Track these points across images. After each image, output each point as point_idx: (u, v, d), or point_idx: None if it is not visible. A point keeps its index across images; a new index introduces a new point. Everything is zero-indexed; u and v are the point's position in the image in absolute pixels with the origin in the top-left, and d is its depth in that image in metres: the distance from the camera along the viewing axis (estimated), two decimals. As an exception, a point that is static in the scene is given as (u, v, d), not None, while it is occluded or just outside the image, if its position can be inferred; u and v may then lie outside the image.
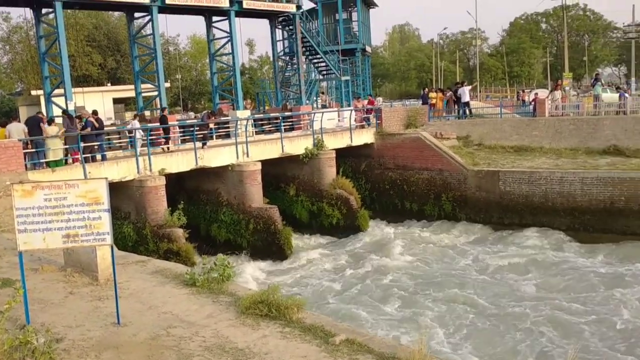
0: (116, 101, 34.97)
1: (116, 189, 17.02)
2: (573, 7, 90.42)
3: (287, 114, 27.33)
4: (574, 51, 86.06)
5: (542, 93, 32.61)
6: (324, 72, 36.35)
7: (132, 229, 18.00)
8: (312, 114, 25.27)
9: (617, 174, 19.72)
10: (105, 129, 19.48)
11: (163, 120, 21.64)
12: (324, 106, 36.34)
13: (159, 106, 25.43)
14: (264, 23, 32.01)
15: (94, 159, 17.65)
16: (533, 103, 27.05)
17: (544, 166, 21.65)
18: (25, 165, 15.70)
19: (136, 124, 21.20)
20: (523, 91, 40.07)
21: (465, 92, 28.23)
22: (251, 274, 17.65)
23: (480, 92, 61.02)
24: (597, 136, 23.12)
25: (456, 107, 29.13)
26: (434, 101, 29.25)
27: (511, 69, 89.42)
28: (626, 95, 27.90)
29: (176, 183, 21.30)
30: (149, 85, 27.13)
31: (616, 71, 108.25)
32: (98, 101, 29.19)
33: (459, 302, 14.28)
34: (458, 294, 14.79)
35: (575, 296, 14.33)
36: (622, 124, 23.13)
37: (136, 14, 26.57)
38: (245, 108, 28.27)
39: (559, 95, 27.46)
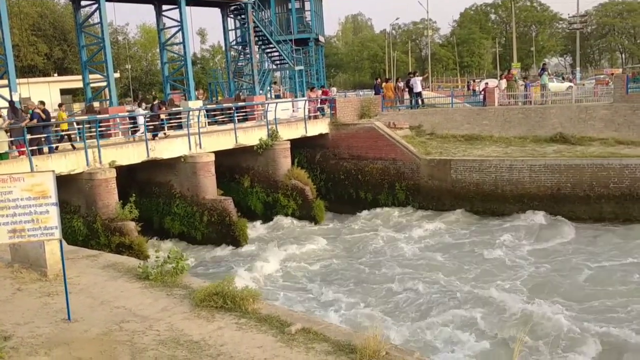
0: (64, 92, 33.97)
1: (65, 182, 16.55)
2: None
3: (240, 104, 27.07)
4: (522, 41, 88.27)
5: (492, 83, 33.34)
6: (278, 62, 36.13)
7: (82, 223, 17.56)
8: (266, 104, 25.12)
9: (563, 161, 20.38)
10: (51, 120, 18.88)
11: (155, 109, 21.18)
12: (277, 96, 36.16)
13: (107, 97, 24.78)
14: (216, 12, 31.57)
15: (40, 152, 17.12)
16: (483, 93, 27.60)
17: (494, 154, 22.16)
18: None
19: (140, 110, 21.31)
20: (474, 81, 40.87)
21: (417, 83, 28.57)
22: (205, 266, 17.49)
23: (432, 82, 61.88)
24: (544, 124, 23.81)
25: (408, 97, 29.47)
26: (387, 92, 29.47)
27: (462, 59, 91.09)
28: (571, 84, 28.76)
29: (127, 175, 20.86)
30: (98, 76, 26.40)
31: (562, 61, 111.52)
32: (45, 92, 28.28)
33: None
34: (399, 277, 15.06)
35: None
36: (567, 113, 23.87)
37: (83, 2, 25.76)
38: (197, 98, 27.85)
39: (504, 85, 28.12)
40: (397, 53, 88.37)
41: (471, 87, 35.75)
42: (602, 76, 58.23)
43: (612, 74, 46.69)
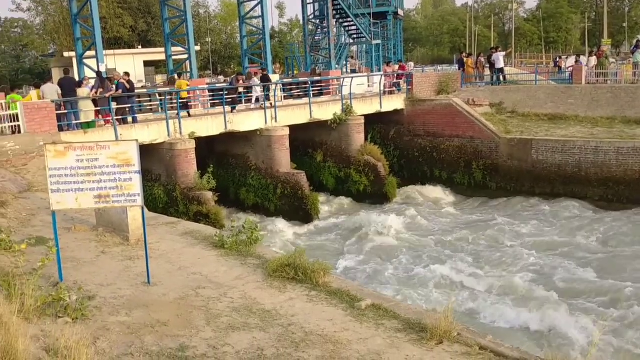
0: (147, 64, 35.07)
1: (147, 151, 17.17)
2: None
3: (316, 78, 27.08)
4: (614, 17, 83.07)
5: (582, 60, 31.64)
6: (355, 36, 35.79)
7: (162, 191, 18.24)
8: (342, 79, 24.99)
9: (654, 144, 19.18)
10: (135, 91, 19.61)
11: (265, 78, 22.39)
12: (353, 71, 35.89)
13: (188, 69, 25.41)
14: (295, -15, 31.57)
15: (125, 121, 17.83)
16: (570, 70, 26.28)
17: (579, 135, 21.14)
18: (59, 126, 15.92)
19: (256, 81, 22.55)
20: (560, 57, 38.94)
21: (499, 58, 27.55)
22: (278, 238, 17.79)
23: (514, 58, 59.52)
24: (635, 105, 22.39)
25: (489, 73, 28.49)
26: (467, 67, 28.60)
27: (548, 34, 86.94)
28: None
29: (206, 147, 21.43)
30: (180, 48, 27.09)
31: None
32: (129, 63, 29.27)
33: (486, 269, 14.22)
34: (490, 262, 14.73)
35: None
36: (662, 92, 22.36)
37: (167, -24, 26.41)
38: (274, 72, 28.09)
39: (593, 62, 26.63)
40: (479, 27, 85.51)
41: (557, 64, 34.07)
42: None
43: None
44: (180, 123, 18.26)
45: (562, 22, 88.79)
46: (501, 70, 27.78)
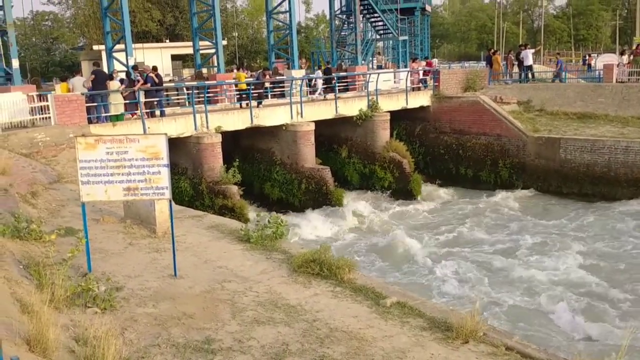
0: (174, 58, 35.35)
1: (174, 144, 17.32)
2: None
3: (342, 74, 27.01)
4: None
5: (609, 58, 31.06)
6: (381, 32, 35.61)
7: (188, 184, 18.40)
8: (368, 75, 24.89)
9: (687, 145, 18.75)
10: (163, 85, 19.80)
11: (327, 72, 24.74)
12: (379, 67, 35.73)
13: (215, 64, 25.54)
14: (322, -20, 31.50)
15: (153, 115, 18.01)
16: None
17: (609, 134, 20.76)
18: (88, 118, 16.15)
19: (319, 73, 23.70)
20: (590, 55, 38.28)
21: (528, 55, 27.21)
22: (303, 233, 17.82)
23: (543, 55, 58.66)
24: (668, 105, 21.92)
25: (517, 71, 28.15)
26: (495, 64, 28.26)
27: (577, 32, 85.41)
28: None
29: (231, 141, 21.54)
30: (207, 43, 27.23)
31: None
32: (157, 57, 29.53)
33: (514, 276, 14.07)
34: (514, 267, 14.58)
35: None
36: (696, 92, 21.84)
37: (195, -29, 26.53)
38: (300, 67, 28.11)
39: (626, 60, 26.11)
40: (507, 24, 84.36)
41: (587, 62, 33.50)
42: None
43: None
44: (207, 117, 18.39)
45: (592, 19, 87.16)
46: (530, 67, 27.43)
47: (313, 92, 24.49)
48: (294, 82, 21.63)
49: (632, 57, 26.31)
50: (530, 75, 27.43)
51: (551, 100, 24.21)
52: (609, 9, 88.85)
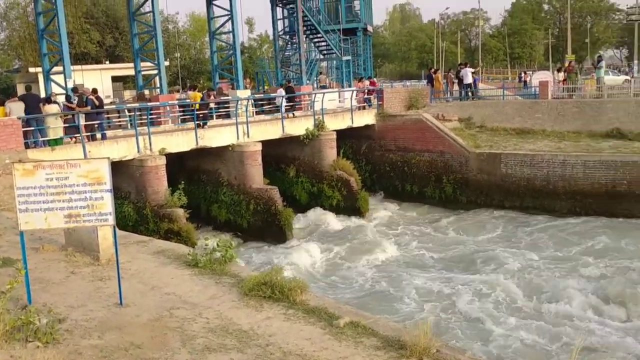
0: (115, 79, 34.61)
1: (116, 168, 16.87)
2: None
3: (288, 95, 27.06)
4: (576, 33, 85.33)
5: (544, 75, 32.36)
6: (325, 52, 36.00)
7: (132, 209, 17.93)
8: (313, 95, 25.07)
9: (619, 158, 19.65)
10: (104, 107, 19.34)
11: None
12: (323, 87, 36.01)
13: (158, 85, 25.17)
14: (264, 1, 31.65)
15: (93, 138, 17.52)
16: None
17: (546, 149, 21.54)
18: (26, 143, 15.56)
19: (282, 92, 23.72)
20: (525, 73, 39.80)
21: (467, 74, 28.04)
22: (252, 255, 17.62)
23: (481, 73, 60.63)
24: (600, 119, 22.97)
25: (457, 89, 28.97)
26: (435, 83, 29.01)
27: (512, 50, 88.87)
28: (628, 78, 27.66)
29: (176, 163, 21.20)
30: (149, 64, 26.84)
31: (617, 53, 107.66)
32: (97, 79, 28.82)
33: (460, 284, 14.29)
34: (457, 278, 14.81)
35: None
36: (625, 107, 22.99)
37: (135, -9, 26.21)
38: (245, 87, 28.04)
39: (561, 77, 27.28)
40: (446, 43, 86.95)
41: (522, 79, 34.81)
42: (661, 69, 55.91)
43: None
44: (150, 139, 18.02)
45: (526, 38, 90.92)
46: (469, 85, 28.26)
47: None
48: (239, 102, 21.53)
49: (566, 74, 27.50)
50: (470, 93, 28.25)
51: (491, 117, 24.98)
52: (542, 27, 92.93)
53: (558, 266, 15.32)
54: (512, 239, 18.17)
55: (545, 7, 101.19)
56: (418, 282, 14.43)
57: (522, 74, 38.28)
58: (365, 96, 27.07)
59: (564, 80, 27.13)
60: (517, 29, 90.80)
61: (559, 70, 30.29)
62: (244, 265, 10.31)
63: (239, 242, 18.83)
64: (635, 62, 59.62)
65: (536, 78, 29.34)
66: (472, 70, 29.39)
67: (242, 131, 20.52)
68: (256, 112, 25.18)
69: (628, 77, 41.68)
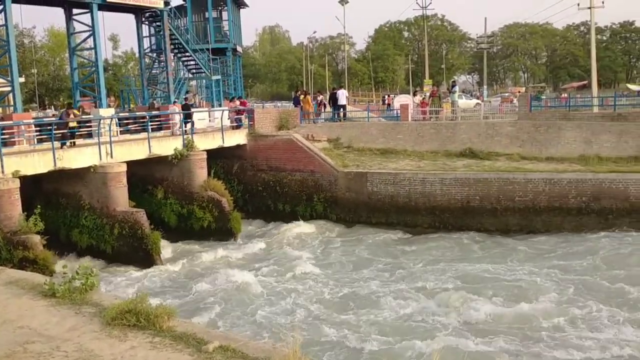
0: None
1: (-39, 192, 15.42)
2: (432, 17, 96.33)
3: (154, 112, 26.32)
4: (434, 59, 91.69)
5: (405, 98, 34.35)
6: (194, 71, 35.50)
7: (-20, 237, 16.38)
8: (182, 114, 24.57)
9: (472, 175, 21.27)
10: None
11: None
12: (191, 106, 35.39)
13: (12, 103, 23.35)
14: (130, 17, 30.64)
15: None
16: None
17: (408, 168, 22.80)
18: None
19: (176, 109, 23.56)
20: (389, 96, 41.97)
21: (341, 96, 29.17)
22: (117, 282, 16.80)
23: (348, 96, 63.02)
24: (455, 140, 24.78)
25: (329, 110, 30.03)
26: (305, 105, 29.75)
27: (376, 74, 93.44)
28: (479, 102, 30.20)
29: (33, 186, 19.75)
30: (1, 80, 24.87)
31: (470, 79, 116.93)
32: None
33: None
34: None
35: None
36: (476, 128, 24.99)
37: (-15, 2, 24.23)
38: (109, 106, 26.85)
39: (418, 100, 29.17)
40: (315, 66, 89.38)
41: (386, 102, 36.70)
42: (507, 94, 61.44)
43: (519, 92, 49.40)
44: (2, 160, 16.66)
45: (388, 63, 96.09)
46: (343, 107, 29.39)
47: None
48: (101, 121, 20.56)
49: (430, 99, 29.47)
50: (341, 115, 29.30)
51: (357, 138, 26.02)
52: (403, 53, 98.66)
53: (377, 280, 16.20)
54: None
55: (405, 34, 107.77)
56: (295, 300, 14.54)
57: (386, 97, 40.38)
58: (236, 116, 27.02)
59: (422, 103, 29.00)
60: (380, 54, 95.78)
61: (414, 94, 32.35)
62: (106, 293, 9.80)
63: (103, 268, 17.87)
64: (485, 87, 65.05)
65: (397, 101, 31.07)
66: (346, 92, 30.62)
67: (106, 151, 19.59)
68: (121, 131, 24.16)
69: (479, 101, 45.40)
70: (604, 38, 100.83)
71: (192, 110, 25.92)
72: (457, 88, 32.43)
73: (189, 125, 23.60)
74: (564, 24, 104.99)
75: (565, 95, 46.07)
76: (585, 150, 23.11)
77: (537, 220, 20.40)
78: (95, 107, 26.90)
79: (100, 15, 26.07)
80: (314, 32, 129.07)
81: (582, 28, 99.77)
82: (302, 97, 30.58)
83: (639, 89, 58.33)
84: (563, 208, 20.17)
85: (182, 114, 23.48)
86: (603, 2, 32.18)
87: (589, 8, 31.80)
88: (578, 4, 32.81)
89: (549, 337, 12.05)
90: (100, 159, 19.36)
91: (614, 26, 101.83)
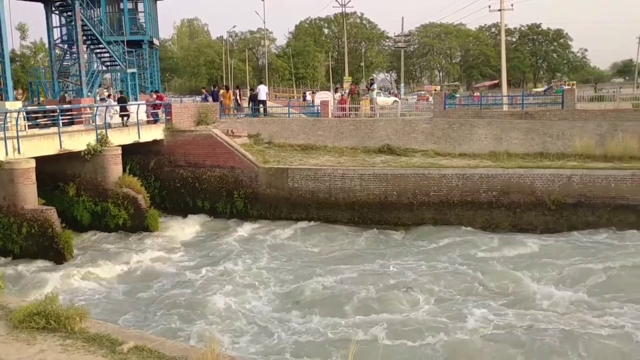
0: None
1: None
2: (352, 15, 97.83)
3: (65, 106, 25.19)
4: (353, 57, 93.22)
5: (325, 95, 34.71)
6: (108, 64, 34.24)
7: None
8: (95, 108, 23.67)
9: (389, 171, 21.78)
10: None
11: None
12: (102, 100, 34.22)
13: None
14: (38, 6, 29.17)
15: None
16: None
17: (328, 164, 23.05)
18: None
19: (111, 101, 23.57)
20: (313, 92, 42.19)
21: (261, 91, 29.03)
22: (25, 284, 15.98)
23: (268, 92, 62.85)
24: (373, 136, 25.31)
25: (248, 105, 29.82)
26: (225, 100, 29.44)
27: (297, 70, 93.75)
28: (397, 99, 31.01)
29: None
30: None
31: (388, 77, 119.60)
32: None
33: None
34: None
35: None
36: (393, 125, 25.63)
37: None
38: (16, 99, 25.44)
39: (338, 97, 29.58)
40: (235, 61, 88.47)
41: (308, 98, 36.95)
42: (423, 92, 63.35)
43: (434, 90, 51.02)
44: None
45: (309, 59, 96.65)
46: (264, 102, 29.27)
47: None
48: (7, 114, 19.45)
49: (350, 96, 29.90)
50: (262, 110, 29.18)
51: (278, 133, 26.04)
52: (323, 50, 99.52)
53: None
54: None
55: (326, 31, 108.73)
56: (214, 299, 14.38)
57: (307, 93, 40.63)
58: (153, 110, 26.30)
59: (341, 100, 29.42)
60: (301, 50, 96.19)
61: (336, 91, 32.78)
62: (13, 296, 9.31)
63: (11, 270, 16.94)
64: (402, 85, 66.74)
65: (318, 98, 31.35)
66: (266, 87, 30.54)
67: (12, 147, 18.56)
68: (30, 125, 22.96)
69: (396, 99, 46.54)
70: (514, 39, 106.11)
71: (108, 104, 25.00)
72: (375, 86, 33.14)
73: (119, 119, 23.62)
74: (477, 25, 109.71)
75: (478, 94, 48.12)
76: (496, 146, 24.24)
77: (450, 214, 21.15)
78: (1, 99, 25.43)
79: (6, 2, 24.66)
80: (234, 27, 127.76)
81: (493, 29, 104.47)
82: (221, 91, 30.23)
83: (544, 89, 61.88)
84: (475, 202, 21.01)
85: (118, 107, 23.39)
86: (512, 5, 33.85)
87: (499, 10, 33.35)
88: (489, 6, 34.38)
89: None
90: (7, 154, 18.32)
91: (522, 28, 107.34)
